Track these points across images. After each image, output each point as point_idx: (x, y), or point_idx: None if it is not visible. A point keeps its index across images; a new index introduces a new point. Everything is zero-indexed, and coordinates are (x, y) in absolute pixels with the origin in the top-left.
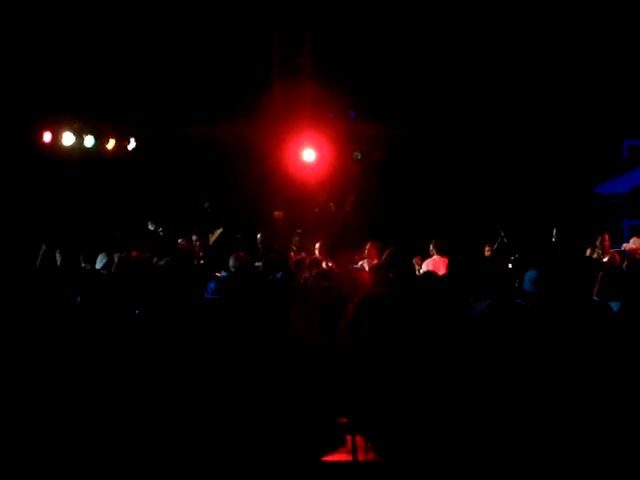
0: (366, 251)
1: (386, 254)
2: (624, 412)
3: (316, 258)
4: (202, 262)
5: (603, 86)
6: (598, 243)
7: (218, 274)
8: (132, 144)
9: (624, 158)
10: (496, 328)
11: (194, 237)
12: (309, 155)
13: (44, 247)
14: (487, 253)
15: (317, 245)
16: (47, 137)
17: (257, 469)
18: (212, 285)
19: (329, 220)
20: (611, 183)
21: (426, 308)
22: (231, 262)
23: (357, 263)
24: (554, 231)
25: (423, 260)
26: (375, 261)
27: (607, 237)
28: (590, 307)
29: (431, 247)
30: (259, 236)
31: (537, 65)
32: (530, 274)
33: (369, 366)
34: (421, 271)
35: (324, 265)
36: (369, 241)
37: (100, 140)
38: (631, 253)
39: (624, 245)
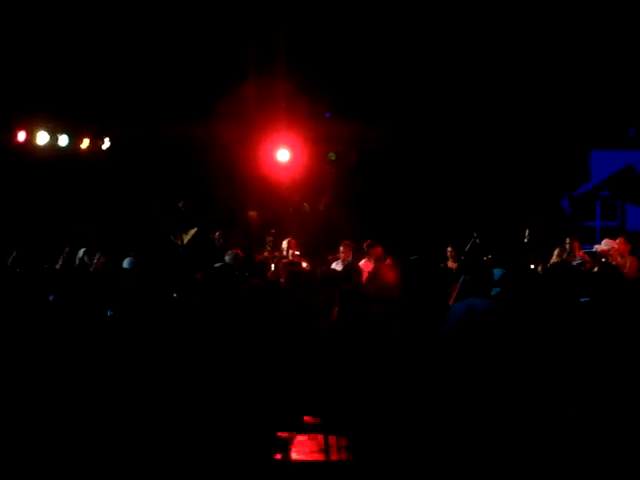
0: (340, 253)
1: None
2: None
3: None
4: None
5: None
6: (567, 245)
7: None
8: (106, 144)
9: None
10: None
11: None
12: (283, 155)
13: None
14: (449, 254)
15: (285, 243)
16: (21, 136)
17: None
18: None
19: (303, 220)
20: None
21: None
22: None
23: (330, 263)
24: (526, 232)
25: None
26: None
27: (576, 240)
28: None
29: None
30: (217, 233)
31: (509, 71)
32: (496, 273)
33: (345, 365)
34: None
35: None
36: (342, 242)
37: (74, 139)
38: (602, 255)
39: (596, 246)
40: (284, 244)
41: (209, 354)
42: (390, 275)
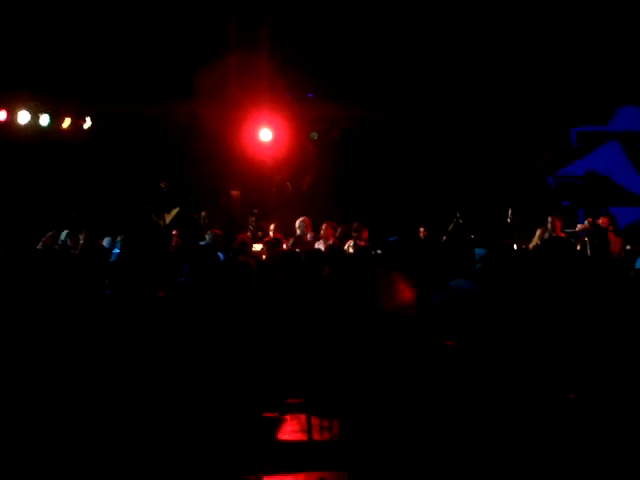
0: (322, 231)
1: (340, 232)
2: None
3: (278, 239)
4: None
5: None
6: (549, 224)
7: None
8: (88, 123)
9: (573, 145)
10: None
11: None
12: (266, 135)
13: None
14: (422, 235)
15: (272, 226)
16: (2, 115)
17: (206, 449)
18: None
19: (286, 200)
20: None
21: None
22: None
23: (313, 243)
24: (509, 212)
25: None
26: (331, 241)
27: (558, 219)
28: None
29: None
30: (203, 213)
31: (490, 49)
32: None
33: (327, 344)
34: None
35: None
36: (325, 221)
37: (55, 119)
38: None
39: (578, 226)
40: (298, 224)
41: (197, 334)
42: (405, 293)
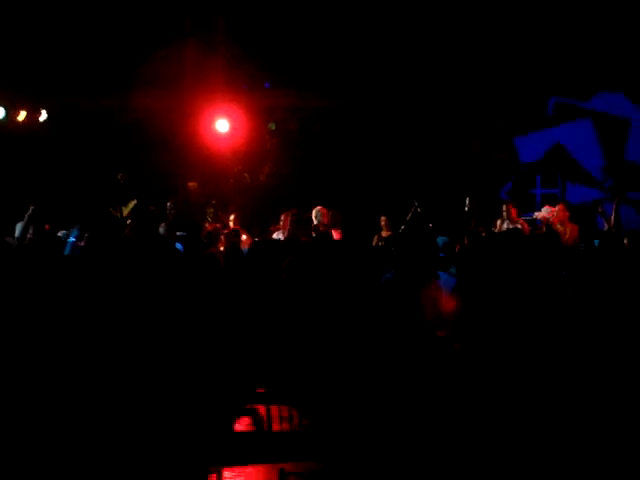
0: (281, 222)
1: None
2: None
3: (237, 230)
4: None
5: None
6: (504, 213)
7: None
8: (43, 115)
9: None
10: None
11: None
12: (223, 126)
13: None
14: (383, 224)
15: (232, 217)
16: None
17: (168, 440)
18: None
19: (244, 191)
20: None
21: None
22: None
23: (272, 234)
24: (467, 200)
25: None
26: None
27: (512, 205)
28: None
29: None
30: (169, 203)
31: (453, 25)
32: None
33: (290, 335)
34: None
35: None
36: (283, 212)
37: (10, 112)
38: (543, 221)
39: (536, 213)
40: (314, 213)
41: (160, 325)
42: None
